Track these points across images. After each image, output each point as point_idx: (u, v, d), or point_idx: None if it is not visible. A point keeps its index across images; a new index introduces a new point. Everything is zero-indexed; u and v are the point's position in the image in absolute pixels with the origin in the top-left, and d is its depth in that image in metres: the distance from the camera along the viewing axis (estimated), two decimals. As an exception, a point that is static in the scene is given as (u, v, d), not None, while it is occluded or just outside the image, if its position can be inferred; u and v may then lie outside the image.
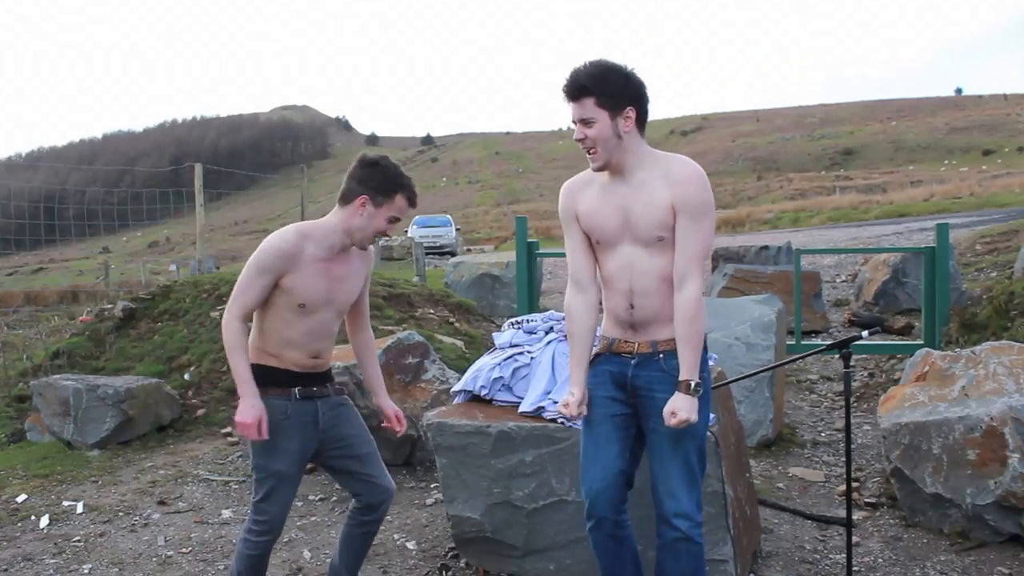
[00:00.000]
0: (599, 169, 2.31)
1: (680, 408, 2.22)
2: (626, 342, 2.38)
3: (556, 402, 3.17)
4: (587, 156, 2.29)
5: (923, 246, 6.19)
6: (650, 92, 2.31)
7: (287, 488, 2.66)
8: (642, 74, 2.28)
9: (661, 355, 2.32)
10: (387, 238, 3.17)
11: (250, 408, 2.49)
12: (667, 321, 2.30)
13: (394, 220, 2.62)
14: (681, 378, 2.24)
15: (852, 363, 4.44)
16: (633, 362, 2.35)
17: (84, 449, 5.51)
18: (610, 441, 2.39)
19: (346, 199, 2.61)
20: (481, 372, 3.54)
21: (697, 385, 2.24)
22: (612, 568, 2.47)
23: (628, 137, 2.25)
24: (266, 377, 2.59)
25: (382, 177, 2.58)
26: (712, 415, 2.47)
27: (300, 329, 2.61)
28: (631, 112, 2.23)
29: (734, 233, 27.23)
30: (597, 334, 2.47)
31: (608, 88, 2.21)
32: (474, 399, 3.40)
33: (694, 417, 2.23)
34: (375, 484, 2.76)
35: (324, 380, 2.75)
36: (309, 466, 4.92)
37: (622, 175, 2.30)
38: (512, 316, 4.37)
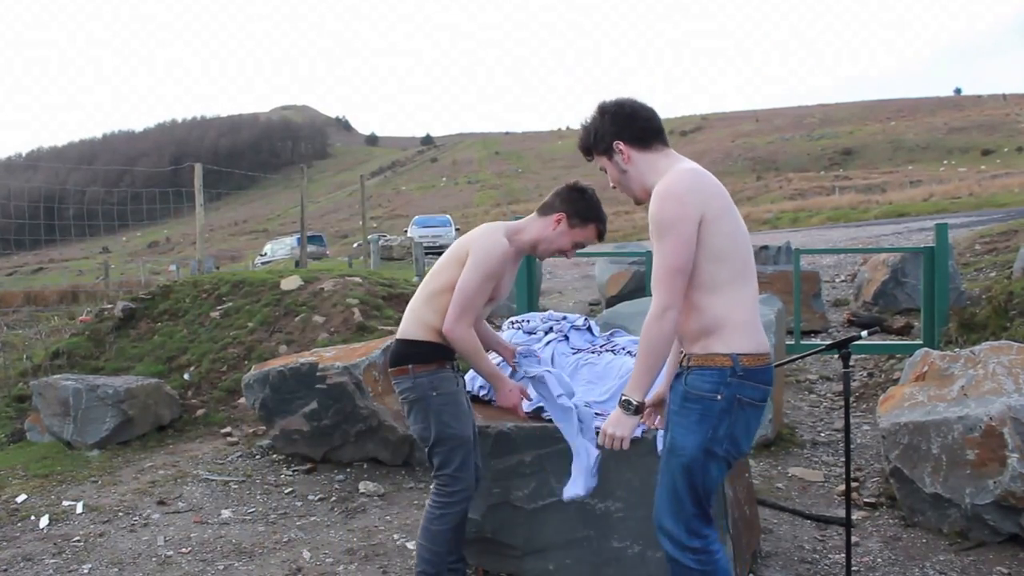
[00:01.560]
0: (639, 203, 2.43)
1: (609, 422, 2.25)
2: (680, 352, 2.39)
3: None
4: None
5: (922, 246, 6.20)
6: (641, 106, 2.33)
7: (471, 451, 2.86)
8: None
9: (687, 370, 2.25)
10: (564, 256, 3.38)
11: (511, 390, 2.84)
12: (694, 339, 2.24)
13: (578, 245, 2.87)
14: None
15: (851, 363, 4.45)
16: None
17: (84, 449, 5.51)
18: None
19: (545, 211, 2.86)
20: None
21: (630, 405, 2.20)
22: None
23: (634, 165, 2.31)
24: (438, 352, 2.82)
25: (584, 204, 2.85)
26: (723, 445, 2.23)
27: (480, 317, 2.88)
28: (620, 145, 2.31)
29: (734, 233, 27.14)
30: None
31: (593, 137, 2.35)
32: (474, 399, 3.40)
33: (619, 433, 2.22)
34: (477, 464, 2.94)
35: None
36: (308, 466, 4.95)
37: None
38: (512, 316, 4.37)
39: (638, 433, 2.98)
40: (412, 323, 2.86)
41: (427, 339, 2.81)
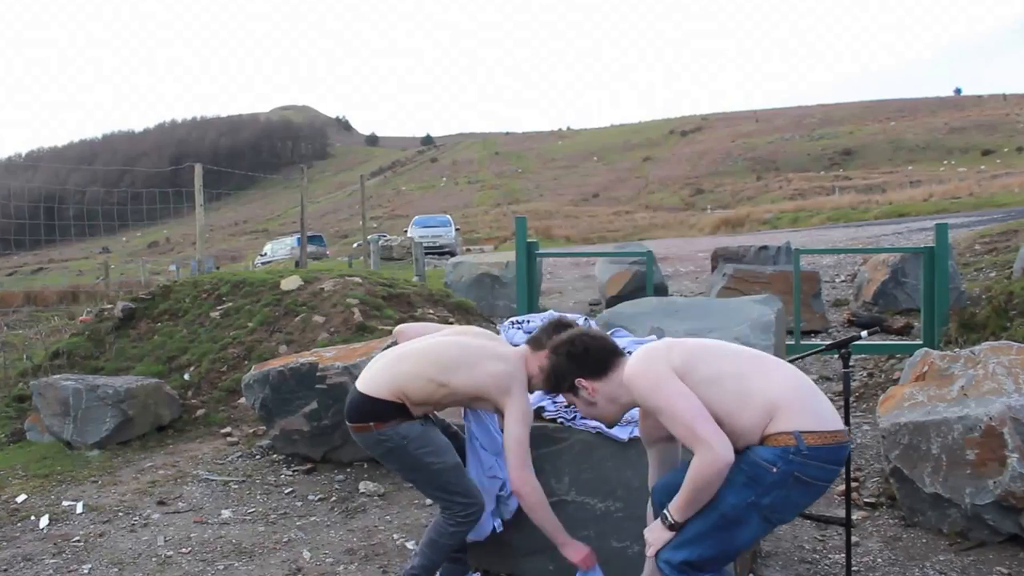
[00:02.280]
0: (610, 427, 2.72)
1: (651, 531, 2.33)
2: None
3: (556, 401, 3.18)
4: None
5: (922, 246, 6.20)
6: (591, 339, 2.47)
7: (464, 471, 2.93)
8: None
9: (763, 442, 2.22)
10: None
11: (580, 548, 2.78)
12: (758, 436, 2.22)
13: None
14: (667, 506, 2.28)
15: (851, 363, 4.45)
16: None
17: (84, 449, 5.51)
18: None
19: (536, 347, 2.89)
20: None
21: (667, 520, 2.25)
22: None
23: (599, 396, 2.42)
24: (399, 412, 2.81)
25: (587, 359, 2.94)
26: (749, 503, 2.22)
27: (445, 407, 2.96)
28: (582, 383, 2.42)
29: (734, 233, 27.23)
30: None
31: (555, 379, 2.48)
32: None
33: (657, 544, 2.28)
34: None
35: None
36: (308, 466, 4.95)
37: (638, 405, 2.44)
38: (512, 316, 4.37)
39: (637, 433, 2.98)
40: (386, 384, 2.80)
41: (391, 398, 2.78)
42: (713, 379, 2.21)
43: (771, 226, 28.52)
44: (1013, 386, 3.54)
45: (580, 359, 2.42)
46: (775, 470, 2.14)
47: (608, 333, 3.79)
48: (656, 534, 2.29)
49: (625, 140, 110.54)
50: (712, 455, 2.10)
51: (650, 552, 2.30)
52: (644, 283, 7.90)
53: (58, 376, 5.93)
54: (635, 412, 3.05)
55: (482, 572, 3.27)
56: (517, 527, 3.17)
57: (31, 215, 12.42)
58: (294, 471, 4.92)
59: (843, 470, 2.27)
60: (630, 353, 3.44)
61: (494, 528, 3.05)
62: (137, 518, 4.25)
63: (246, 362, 6.52)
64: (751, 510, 2.18)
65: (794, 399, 2.19)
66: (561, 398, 3.18)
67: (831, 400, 6.09)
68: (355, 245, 29.42)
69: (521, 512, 3.14)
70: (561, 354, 2.44)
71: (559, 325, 2.88)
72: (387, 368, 2.86)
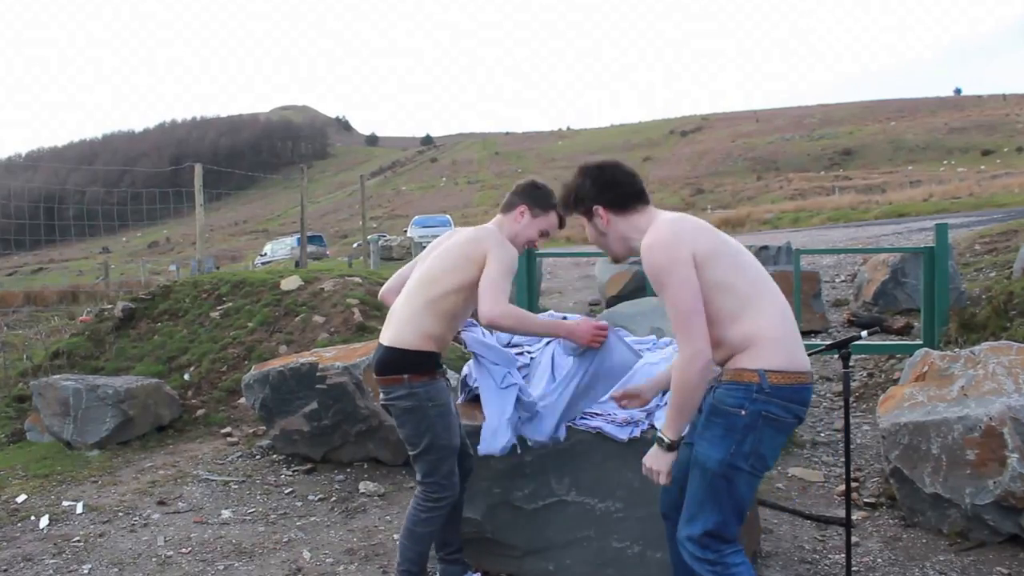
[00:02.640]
0: (614, 262, 2.54)
1: (647, 457, 2.31)
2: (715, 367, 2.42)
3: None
4: None
5: (922, 246, 6.19)
6: (620, 171, 2.41)
7: (455, 459, 2.92)
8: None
9: (717, 384, 2.26)
10: (534, 246, 3.41)
11: (579, 324, 2.75)
12: (724, 360, 2.25)
13: (544, 234, 2.96)
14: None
15: (851, 363, 4.45)
16: None
17: (84, 449, 5.51)
18: (683, 445, 2.43)
19: (507, 209, 2.97)
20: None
21: (663, 442, 2.24)
22: (674, 565, 2.54)
23: (613, 228, 2.40)
24: (432, 362, 2.85)
25: (542, 195, 2.96)
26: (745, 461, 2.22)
27: (465, 314, 2.92)
28: (599, 210, 2.39)
29: (734, 233, 27.17)
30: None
31: (573, 199, 2.46)
32: (474, 399, 3.40)
33: (655, 468, 2.27)
34: (469, 455, 3.06)
35: None
36: (308, 466, 4.95)
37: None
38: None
39: (636, 433, 2.99)
40: (407, 331, 2.82)
41: (424, 348, 2.81)
42: (722, 287, 2.20)
43: (771, 226, 28.50)
44: (1013, 386, 3.54)
45: (605, 187, 2.38)
46: (744, 413, 2.17)
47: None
48: (657, 460, 2.27)
49: (625, 140, 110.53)
50: (693, 349, 2.13)
51: (663, 480, 2.28)
52: (644, 283, 7.90)
53: (58, 376, 5.93)
54: (635, 412, 3.06)
55: (482, 572, 3.27)
56: (517, 527, 3.17)
57: (31, 215, 12.43)
58: (294, 471, 4.92)
59: (805, 411, 2.27)
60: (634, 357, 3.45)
61: (513, 446, 2.91)
62: (137, 518, 4.25)
63: (246, 362, 6.53)
64: (736, 461, 2.19)
65: (772, 339, 2.20)
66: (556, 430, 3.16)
67: (830, 400, 6.10)
68: (355, 245, 29.42)
69: (521, 512, 3.14)
70: (588, 176, 2.41)
71: (529, 184, 2.98)
72: (399, 317, 2.89)
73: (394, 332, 2.86)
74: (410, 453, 2.89)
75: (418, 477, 2.89)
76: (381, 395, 2.92)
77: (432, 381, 2.82)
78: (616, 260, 2.50)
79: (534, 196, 2.95)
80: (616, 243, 2.43)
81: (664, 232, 2.24)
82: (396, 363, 2.82)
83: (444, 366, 2.95)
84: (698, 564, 2.24)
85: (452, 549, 3.11)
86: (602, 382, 2.83)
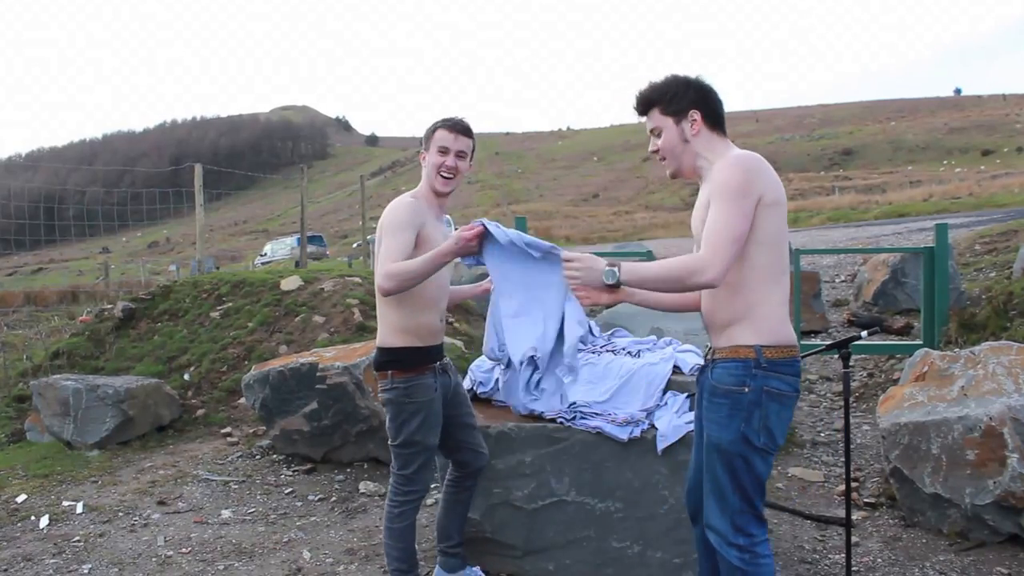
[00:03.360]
0: (672, 176, 2.39)
1: (585, 274, 2.17)
2: (706, 346, 2.39)
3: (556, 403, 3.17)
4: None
5: (922, 246, 6.19)
6: (716, 91, 2.31)
7: (433, 458, 2.94)
8: (704, 77, 2.31)
9: (712, 364, 2.25)
10: (451, 175, 3.29)
11: (461, 233, 2.57)
12: (720, 327, 2.24)
13: (444, 151, 2.81)
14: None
15: (851, 363, 4.45)
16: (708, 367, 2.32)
17: (84, 449, 5.51)
18: (699, 447, 2.41)
19: (421, 155, 2.92)
20: (476, 371, 3.55)
21: (610, 270, 2.13)
22: (700, 566, 2.51)
23: (698, 139, 2.28)
24: (414, 358, 2.82)
25: (430, 126, 2.89)
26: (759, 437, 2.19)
27: (429, 293, 2.81)
28: (696, 115, 2.27)
29: (734, 233, 27.15)
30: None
31: (668, 96, 2.29)
32: (474, 399, 3.40)
33: (592, 296, 2.19)
34: (480, 453, 3.05)
35: (443, 351, 2.97)
36: (308, 466, 4.95)
37: (702, 178, 2.31)
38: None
39: (637, 433, 2.99)
40: (384, 331, 2.86)
41: (400, 344, 2.83)
42: (762, 243, 2.16)
43: (771, 226, 28.42)
44: (1013, 386, 3.54)
45: (706, 95, 2.29)
46: (747, 390, 2.17)
47: (608, 334, 3.79)
48: (596, 292, 2.20)
49: (625, 140, 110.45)
50: (708, 268, 2.06)
51: (584, 299, 2.22)
52: (644, 283, 7.88)
53: (58, 376, 5.93)
54: (635, 412, 3.06)
55: (482, 572, 3.27)
56: (517, 527, 3.17)
57: (31, 215, 12.43)
58: (294, 471, 4.92)
59: (799, 381, 2.25)
60: (630, 353, 3.45)
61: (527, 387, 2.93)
62: (137, 518, 4.25)
63: (246, 362, 6.52)
64: (749, 438, 2.18)
65: (774, 317, 2.20)
66: (562, 402, 3.18)
67: (830, 400, 6.11)
68: (355, 245, 29.43)
69: (521, 512, 3.14)
70: (691, 80, 2.29)
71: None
72: (378, 318, 2.92)
73: (378, 333, 2.92)
74: (390, 444, 2.93)
75: (392, 469, 2.93)
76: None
77: (415, 377, 2.82)
78: (675, 175, 2.37)
79: (429, 131, 2.88)
80: (689, 157, 2.30)
81: (751, 159, 2.18)
82: (382, 361, 2.87)
83: (444, 360, 2.93)
84: (727, 549, 2.22)
85: (453, 543, 3.13)
86: (534, 291, 2.61)
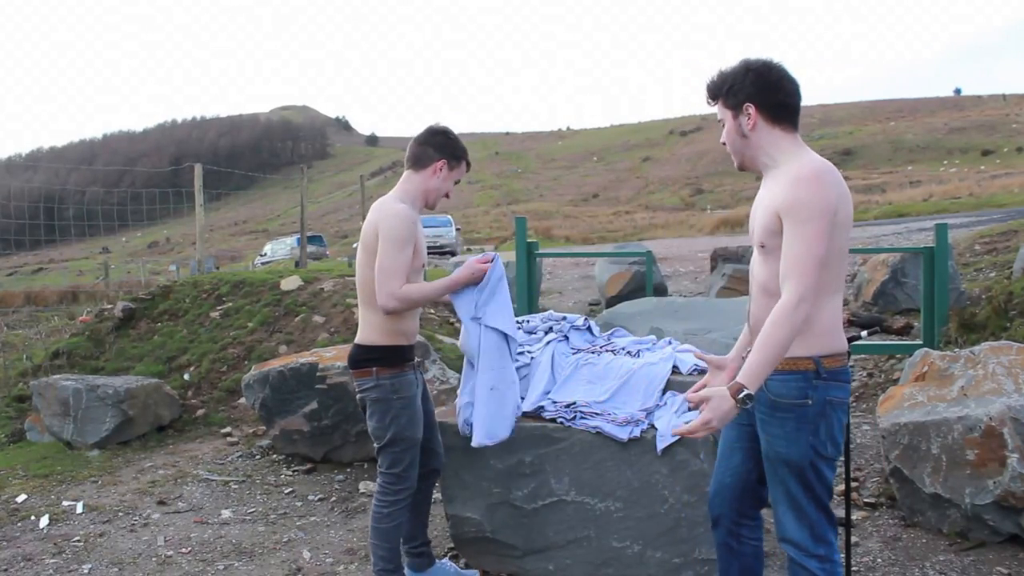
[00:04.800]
0: (739, 168, 2.30)
1: (715, 410, 2.00)
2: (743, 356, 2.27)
3: (556, 401, 3.18)
4: None
5: (922, 246, 6.19)
6: (787, 78, 2.18)
7: (418, 453, 2.97)
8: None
9: (771, 377, 2.11)
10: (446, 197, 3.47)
11: (467, 268, 2.88)
12: None
13: (457, 182, 2.98)
14: (737, 379, 2.04)
15: (851, 363, 4.45)
16: None
17: (84, 449, 5.51)
18: (734, 449, 2.36)
19: (421, 164, 2.92)
20: None
21: (745, 396, 1.99)
22: (723, 573, 2.47)
23: (756, 135, 2.18)
24: (399, 355, 2.89)
25: (456, 145, 2.94)
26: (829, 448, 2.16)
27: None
28: (750, 108, 2.16)
29: (733, 233, 27.23)
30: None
31: (725, 87, 2.21)
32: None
33: (720, 425, 2.02)
34: (439, 453, 3.13)
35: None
36: (308, 466, 4.95)
37: (764, 175, 2.23)
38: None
39: (637, 433, 2.99)
40: (367, 329, 2.90)
41: (386, 343, 2.87)
42: (830, 261, 2.08)
43: (771, 226, 28.42)
44: (1013, 386, 3.54)
45: (767, 88, 2.16)
46: (811, 403, 2.12)
47: (608, 334, 3.79)
48: (727, 415, 2.00)
49: (624, 140, 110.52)
50: (804, 293, 1.99)
51: (705, 433, 2.04)
52: (644, 283, 7.91)
53: (58, 376, 5.94)
54: (635, 412, 3.06)
55: (482, 572, 3.27)
56: (517, 527, 3.17)
57: (31, 215, 12.43)
58: (294, 471, 4.92)
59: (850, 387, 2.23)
60: (629, 353, 3.45)
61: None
62: (137, 518, 4.25)
63: (246, 362, 6.53)
64: (818, 450, 2.14)
65: (830, 328, 2.14)
66: (560, 399, 3.18)
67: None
68: (355, 245, 29.38)
69: (521, 512, 3.14)
70: (752, 70, 2.17)
71: (438, 133, 2.94)
72: (360, 317, 2.98)
73: (360, 331, 2.95)
74: (375, 445, 2.95)
75: (380, 468, 2.94)
76: (356, 389, 2.98)
77: (400, 374, 2.88)
78: (740, 168, 2.28)
79: (452, 148, 2.93)
80: (751, 150, 2.21)
81: (829, 173, 2.08)
82: (364, 358, 2.90)
83: (417, 359, 3.01)
84: (808, 560, 2.19)
85: (418, 543, 3.18)
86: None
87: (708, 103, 2.28)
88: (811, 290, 2.00)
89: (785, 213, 2.06)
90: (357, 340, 2.95)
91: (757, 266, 2.23)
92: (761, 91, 2.16)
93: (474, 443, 2.92)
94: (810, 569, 2.18)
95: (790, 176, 2.09)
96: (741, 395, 1.99)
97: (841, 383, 2.16)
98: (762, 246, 2.17)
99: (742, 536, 2.41)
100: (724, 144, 2.28)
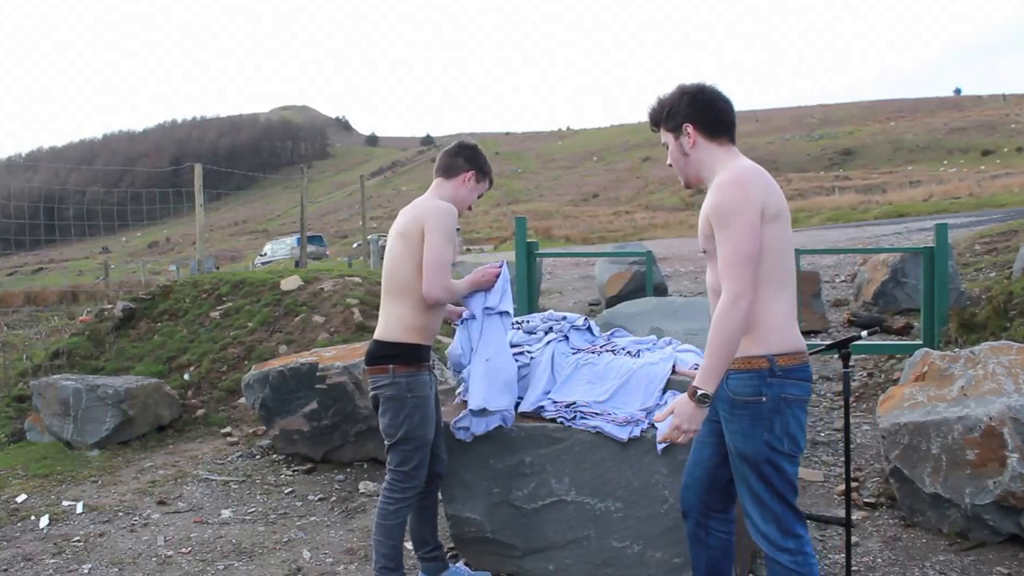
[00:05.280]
0: (686, 186, 2.45)
1: (681, 417, 2.16)
2: None
3: (556, 401, 3.19)
4: None
5: (922, 246, 6.19)
6: (719, 97, 2.33)
7: (428, 453, 2.99)
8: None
9: (726, 374, 2.22)
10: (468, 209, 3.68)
11: (487, 269, 3.07)
12: None
13: (480, 195, 3.09)
14: (693, 382, 2.18)
15: (851, 363, 4.45)
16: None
17: (84, 449, 5.51)
18: (704, 444, 2.42)
19: (452, 173, 3.05)
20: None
21: (701, 395, 2.13)
22: (694, 564, 2.55)
23: (697, 152, 2.33)
24: (417, 354, 2.93)
25: (484, 160, 3.09)
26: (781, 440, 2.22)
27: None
28: (689, 128, 2.32)
29: (734, 233, 27.15)
30: None
31: (666, 112, 2.37)
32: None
33: (691, 428, 2.16)
34: (443, 459, 3.13)
35: None
36: (308, 466, 4.95)
37: (708, 188, 2.34)
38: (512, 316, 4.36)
39: (637, 433, 2.99)
40: (391, 325, 2.94)
41: (407, 341, 2.91)
42: (769, 253, 2.18)
43: (771, 226, 28.42)
44: (1013, 386, 3.54)
45: (702, 107, 2.32)
46: (765, 399, 2.19)
47: (608, 334, 3.79)
48: (692, 418, 2.15)
49: (624, 140, 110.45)
50: (740, 290, 2.09)
51: (688, 438, 2.19)
52: (644, 283, 7.91)
53: (58, 376, 5.94)
54: (635, 412, 3.06)
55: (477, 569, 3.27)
56: (517, 527, 3.17)
57: (31, 215, 12.43)
58: (294, 471, 4.92)
59: (811, 385, 2.28)
60: (629, 353, 3.45)
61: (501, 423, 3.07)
62: (137, 518, 4.25)
63: (246, 362, 6.53)
64: (774, 445, 2.20)
65: (782, 325, 2.22)
66: (560, 399, 3.19)
67: (830, 400, 6.10)
68: (355, 245, 29.44)
69: (521, 512, 3.14)
70: (687, 94, 2.33)
71: (466, 146, 3.08)
72: (383, 312, 3.01)
73: (381, 327, 2.98)
74: (386, 443, 2.97)
75: (389, 466, 2.96)
76: (369, 385, 3.00)
77: (416, 373, 2.91)
78: (687, 185, 2.43)
79: (479, 162, 3.07)
80: (694, 168, 2.35)
81: (746, 172, 2.21)
82: (382, 354, 2.93)
83: (433, 360, 3.04)
84: (779, 554, 2.25)
85: (430, 548, 3.18)
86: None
87: (652, 130, 2.44)
88: (746, 287, 2.10)
89: (712, 219, 2.19)
90: (377, 335, 2.97)
91: (708, 271, 2.35)
92: (697, 111, 2.32)
93: (472, 405, 2.98)
94: (782, 563, 2.24)
95: (715, 183, 2.25)
96: (697, 395, 2.14)
97: (797, 380, 2.22)
98: (704, 252, 2.32)
99: (710, 528, 2.48)
100: (670, 165, 2.44)
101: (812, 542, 3.55)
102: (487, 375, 2.99)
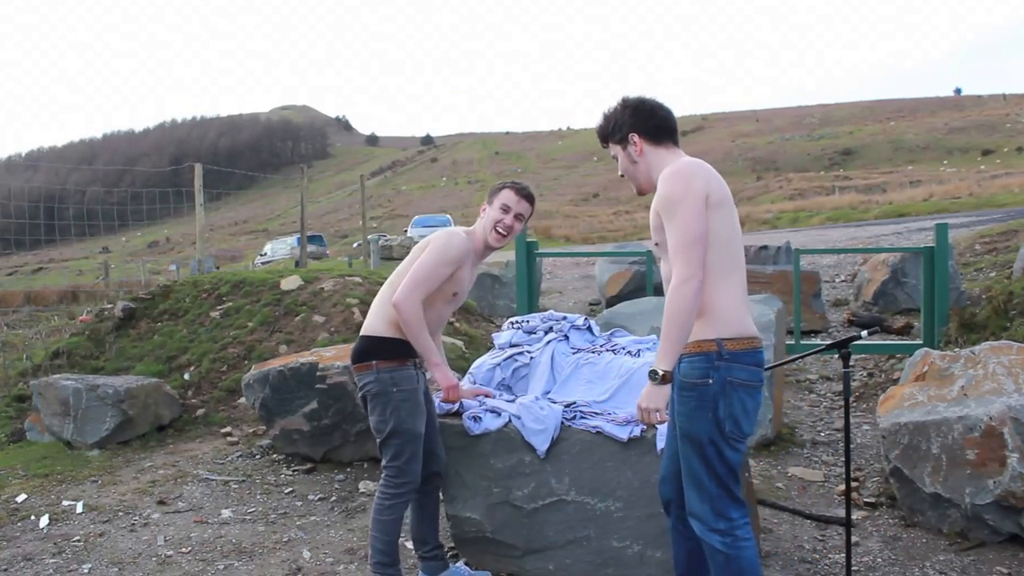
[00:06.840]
0: (639, 193, 2.58)
1: (642, 399, 2.29)
2: None
3: (556, 401, 3.18)
4: None
5: (922, 246, 6.19)
6: (659, 105, 2.47)
7: (420, 447, 3.00)
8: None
9: (679, 359, 2.31)
10: (506, 232, 3.54)
11: (450, 376, 3.07)
12: None
13: (506, 209, 3.02)
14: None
15: (851, 363, 4.45)
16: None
17: (84, 449, 5.51)
18: (677, 437, 2.49)
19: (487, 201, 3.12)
20: (478, 371, 3.55)
21: (657, 375, 2.23)
22: (673, 556, 2.61)
23: (644, 158, 2.46)
24: (401, 350, 2.95)
25: (496, 184, 3.16)
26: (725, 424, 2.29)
27: (435, 306, 3.01)
28: (634, 137, 2.46)
29: (733, 233, 27.15)
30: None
31: (611, 126, 2.51)
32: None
33: (653, 406, 2.26)
34: (440, 456, 3.14)
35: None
36: (308, 466, 4.95)
37: None
38: (512, 316, 4.37)
39: (637, 432, 2.99)
40: (376, 319, 3.00)
41: (391, 335, 2.95)
42: (715, 239, 2.27)
43: (771, 226, 28.49)
44: (1013, 386, 3.54)
45: (643, 116, 2.45)
46: (711, 382, 2.27)
47: (608, 334, 3.79)
48: (653, 397, 2.27)
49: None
50: (688, 273, 2.19)
51: (662, 417, 2.29)
52: (644, 283, 7.90)
53: (58, 376, 5.93)
54: (635, 412, 3.06)
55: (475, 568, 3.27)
56: (517, 527, 3.17)
57: (31, 215, 12.43)
58: (294, 471, 4.92)
59: (763, 372, 2.36)
60: (630, 353, 3.45)
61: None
62: (137, 518, 4.25)
63: (246, 362, 6.52)
64: (718, 427, 2.28)
65: (729, 310, 2.31)
66: (560, 399, 3.19)
67: (830, 400, 6.10)
68: (355, 245, 29.43)
69: (521, 512, 3.14)
70: (628, 106, 2.48)
71: (492, 187, 3.14)
72: (372, 308, 3.06)
73: (367, 321, 3.03)
74: (377, 439, 2.99)
75: (383, 462, 2.98)
76: (356, 385, 3.03)
77: (400, 367, 2.94)
78: (640, 192, 2.56)
79: (489, 191, 3.13)
80: (643, 173, 2.48)
81: (686, 165, 2.33)
82: (366, 350, 2.97)
83: (417, 360, 3.03)
84: (710, 535, 2.31)
85: (430, 547, 3.18)
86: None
87: (603, 146, 2.57)
88: (695, 268, 2.20)
89: (660, 210, 2.32)
90: (363, 331, 3.02)
91: (662, 264, 2.45)
92: (640, 120, 2.46)
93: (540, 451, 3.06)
94: (712, 544, 2.31)
95: (660, 178, 2.37)
96: (649, 372, 2.27)
97: (745, 365, 2.30)
98: (657, 244, 2.42)
99: (684, 517, 2.50)
100: (623, 176, 2.56)
101: (812, 542, 3.56)
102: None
